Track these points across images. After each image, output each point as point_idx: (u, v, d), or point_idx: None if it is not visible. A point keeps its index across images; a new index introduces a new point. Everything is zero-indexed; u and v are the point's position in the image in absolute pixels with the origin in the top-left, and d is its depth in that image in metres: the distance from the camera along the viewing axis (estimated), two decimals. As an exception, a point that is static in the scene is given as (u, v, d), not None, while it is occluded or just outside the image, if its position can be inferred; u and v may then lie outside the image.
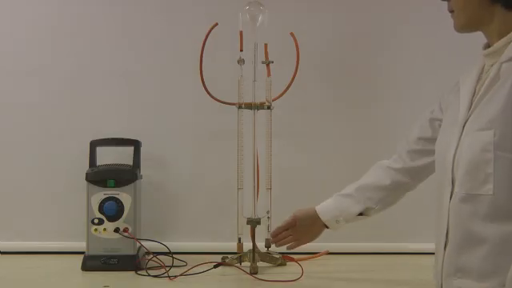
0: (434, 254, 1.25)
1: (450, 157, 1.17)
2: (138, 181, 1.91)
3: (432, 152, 1.32)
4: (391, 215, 2.09)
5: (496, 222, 1.08)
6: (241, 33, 1.87)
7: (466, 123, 1.16)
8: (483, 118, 1.11)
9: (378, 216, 2.09)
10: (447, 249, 1.17)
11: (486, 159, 1.08)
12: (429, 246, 1.32)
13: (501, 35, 1.16)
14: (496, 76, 1.13)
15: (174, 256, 1.86)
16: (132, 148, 1.98)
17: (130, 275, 1.77)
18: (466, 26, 1.20)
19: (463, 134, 1.16)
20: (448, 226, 1.17)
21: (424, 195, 1.96)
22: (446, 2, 1.23)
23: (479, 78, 1.21)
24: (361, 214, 1.63)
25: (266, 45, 1.90)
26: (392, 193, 1.60)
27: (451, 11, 1.21)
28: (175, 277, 1.72)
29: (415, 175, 1.55)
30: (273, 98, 1.91)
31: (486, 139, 1.08)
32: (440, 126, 1.35)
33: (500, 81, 1.11)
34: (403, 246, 2.08)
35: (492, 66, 1.17)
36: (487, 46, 1.21)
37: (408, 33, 2.12)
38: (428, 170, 1.49)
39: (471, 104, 1.17)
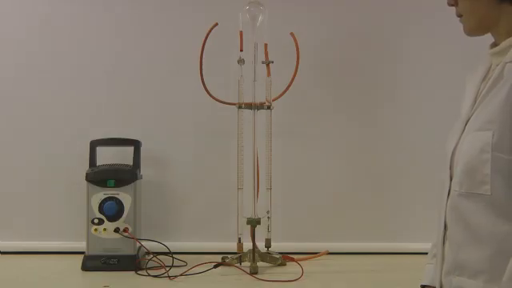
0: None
1: (449, 154, 1.18)
2: (138, 181, 1.91)
3: None
4: (391, 215, 2.11)
5: (494, 220, 1.08)
6: (241, 33, 1.87)
7: (468, 121, 1.17)
8: (483, 117, 1.11)
9: (378, 216, 2.11)
10: (446, 246, 1.17)
11: (484, 160, 1.08)
12: (428, 246, 1.32)
13: (509, 34, 1.15)
14: (499, 76, 1.13)
15: (174, 256, 1.86)
16: (132, 148, 1.97)
17: (130, 275, 1.77)
18: (475, 28, 1.19)
19: (464, 131, 1.16)
20: (445, 222, 1.17)
21: (424, 195, 1.97)
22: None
23: (485, 77, 1.21)
24: None
25: (265, 45, 1.90)
26: None
27: (459, 16, 1.20)
28: (175, 277, 1.72)
29: None
30: (273, 98, 1.92)
31: (485, 140, 1.08)
32: None
33: (502, 81, 1.11)
34: (403, 245, 2.07)
35: (497, 65, 1.17)
36: (494, 45, 1.21)
37: (408, 33, 2.11)
38: None
39: (475, 102, 1.18)
